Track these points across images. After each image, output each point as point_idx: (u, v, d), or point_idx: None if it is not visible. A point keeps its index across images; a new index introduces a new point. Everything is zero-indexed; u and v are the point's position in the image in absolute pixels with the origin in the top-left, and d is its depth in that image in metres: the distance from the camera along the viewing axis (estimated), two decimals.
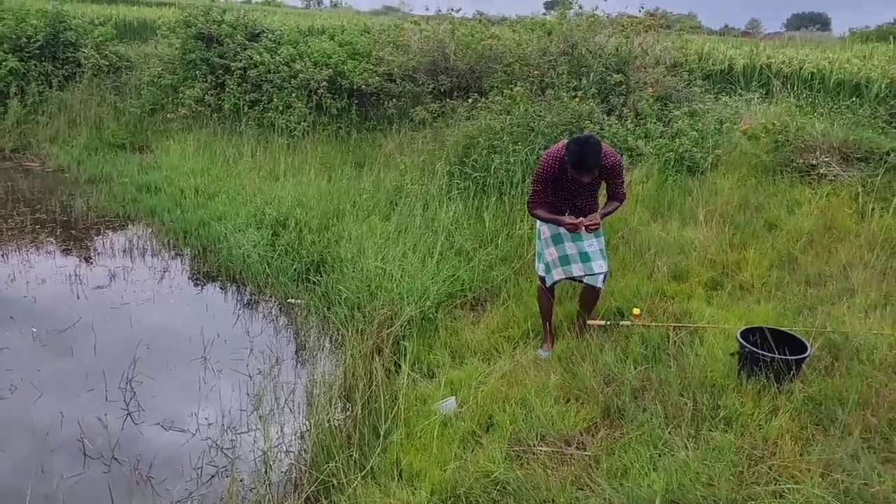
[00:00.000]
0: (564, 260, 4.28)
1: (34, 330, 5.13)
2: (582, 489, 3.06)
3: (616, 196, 4.30)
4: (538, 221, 4.40)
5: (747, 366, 3.67)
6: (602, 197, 4.46)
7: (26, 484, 3.44)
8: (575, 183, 4.11)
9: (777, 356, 3.56)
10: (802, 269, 5.29)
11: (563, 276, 4.31)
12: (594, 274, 4.27)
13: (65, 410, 4.12)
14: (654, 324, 4.38)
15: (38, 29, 12.01)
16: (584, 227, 4.06)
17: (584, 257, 4.25)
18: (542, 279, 4.40)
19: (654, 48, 9.31)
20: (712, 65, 12.32)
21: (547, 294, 4.40)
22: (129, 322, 5.33)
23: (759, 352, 3.61)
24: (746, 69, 12.20)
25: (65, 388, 4.43)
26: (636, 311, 4.48)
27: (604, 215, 4.23)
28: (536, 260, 4.51)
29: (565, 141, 4.09)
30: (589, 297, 4.44)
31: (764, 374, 3.57)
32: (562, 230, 4.25)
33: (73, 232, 7.50)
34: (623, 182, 4.31)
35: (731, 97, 9.73)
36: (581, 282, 4.41)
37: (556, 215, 4.21)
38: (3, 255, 6.70)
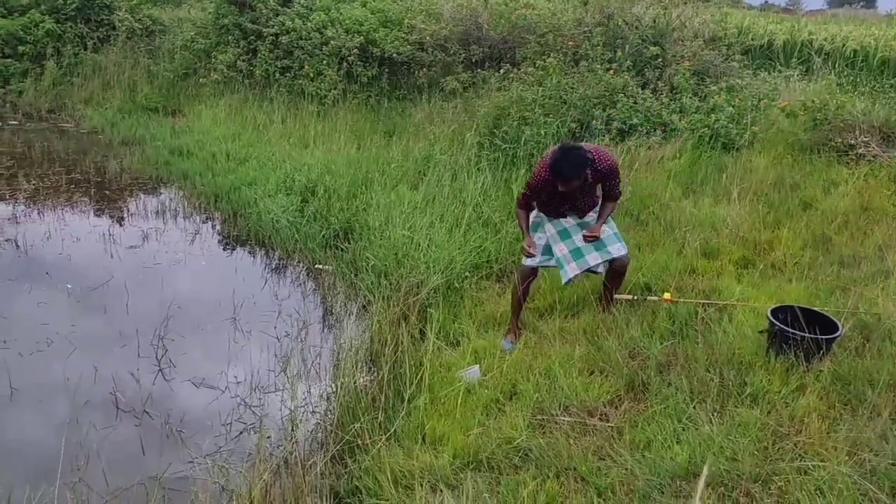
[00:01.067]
0: (577, 253, 4.12)
1: (69, 287, 5.25)
2: (604, 459, 3.08)
3: (611, 196, 4.13)
4: (532, 213, 4.27)
5: (776, 344, 3.63)
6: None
7: (61, 434, 3.54)
8: (560, 195, 3.99)
9: (807, 335, 3.51)
10: (837, 250, 5.19)
11: (579, 271, 4.13)
12: (613, 257, 4.13)
13: (98, 365, 4.23)
14: (682, 300, 4.34)
15: None
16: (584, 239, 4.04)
17: (599, 245, 4.11)
18: (525, 267, 4.19)
19: (693, 21, 9.11)
20: (752, 39, 12.03)
21: (523, 282, 4.19)
22: (160, 282, 5.43)
23: (789, 330, 3.57)
24: (787, 45, 11.90)
25: (98, 343, 4.54)
26: (666, 295, 4.40)
27: (602, 219, 4.12)
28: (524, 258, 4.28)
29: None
30: (617, 271, 4.24)
31: (793, 352, 3.54)
32: (566, 225, 4.16)
33: (106, 192, 7.63)
34: (619, 182, 4.10)
35: (770, 73, 9.51)
36: (598, 272, 4.27)
37: (556, 216, 4.17)
38: (39, 214, 6.85)
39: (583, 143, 3.97)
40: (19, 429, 3.75)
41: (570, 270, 4.14)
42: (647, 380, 3.59)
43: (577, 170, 3.78)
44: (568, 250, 4.15)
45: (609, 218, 4.18)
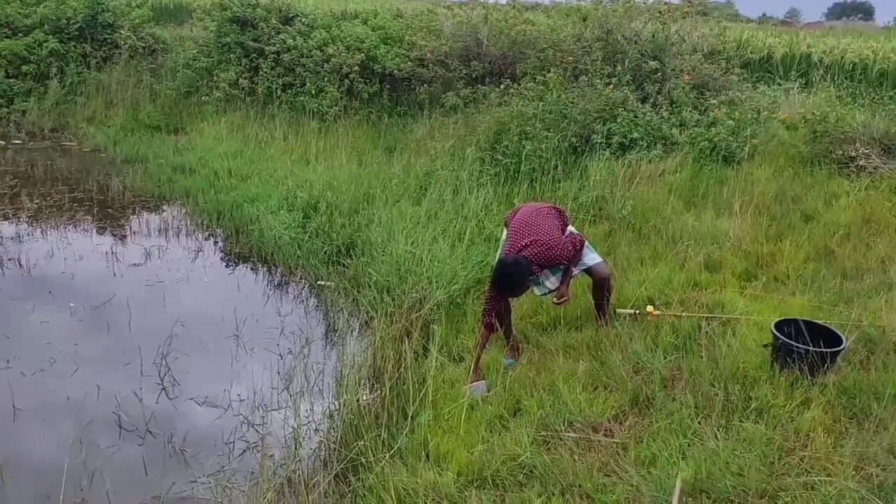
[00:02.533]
0: (554, 269, 4.17)
1: (72, 305, 5.26)
2: (609, 476, 3.06)
3: (570, 262, 4.17)
4: (505, 234, 4.25)
5: (780, 357, 3.63)
6: None
7: (64, 454, 3.55)
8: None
9: (812, 348, 3.50)
10: (839, 262, 5.19)
11: (559, 283, 4.20)
12: (588, 266, 4.21)
13: (101, 384, 4.22)
14: (685, 314, 4.34)
15: (77, 11, 12.22)
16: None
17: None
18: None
19: (692, 35, 9.15)
20: (751, 53, 12.10)
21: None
22: (163, 300, 5.43)
23: (794, 343, 3.56)
24: (786, 58, 11.96)
25: (101, 362, 4.54)
26: (650, 308, 4.44)
27: (567, 279, 4.19)
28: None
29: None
30: (595, 282, 4.29)
31: (797, 366, 3.52)
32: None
33: (109, 211, 7.65)
34: (570, 255, 4.07)
35: (769, 86, 9.54)
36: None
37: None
38: (42, 232, 6.86)
39: (522, 251, 3.92)
40: (22, 449, 3.73)
41: (550, 284, 4.22)
42: (652, 395, 3.58)
43: (520, 285, 3.92)
44: (553, 275, 4.21)
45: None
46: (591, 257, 4.26)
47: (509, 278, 3.84)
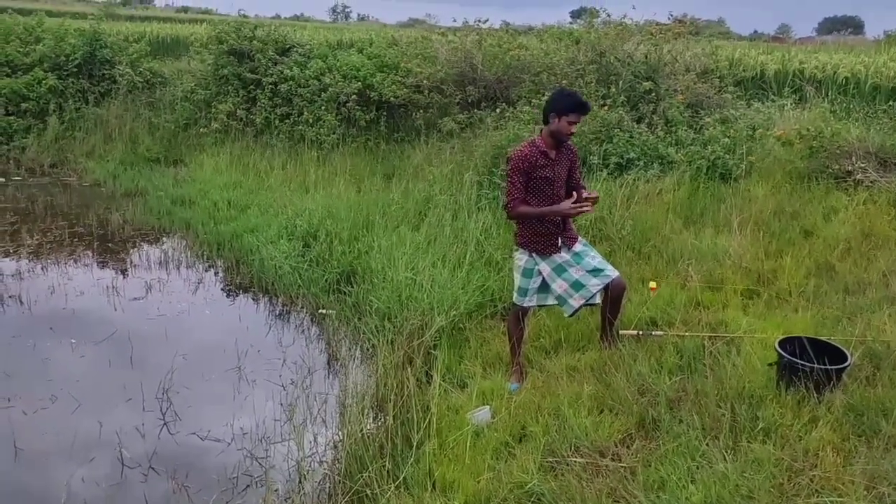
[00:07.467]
0: (577, 285, 4.13)
1: (73, 341, 5.24)
2: (618, 501, 3.02)
3: (578, 187, 4.18)
4: (522, 259, 4.18)
5: (786, 376, 3.60)
6: None
7: (65, 493, 3.51)
8: (551, 168, 4.01)
9: (816, 366, 3.48)
10: (840, 277, 5.18)
11: (584, 301, 4.16)
12: (611, 279, 4.13)
13: (103, 420, 4.19)
14: (688, 333, 4.32)
15: (75, 48, 12.36)
16: (585, 206, 4.00)
17: (595, 272, 4.12)
18: (519, 308, 4.22)
19: (684, 55, 9.24)
20: (743, 71, 12.19)
21: (519, 322, 4.22)
22: (164, 333, 5.41)
23: (798, 361, 3.54)
24: (778, 75, 12.06)
25: (103, 398, 4.51)
26: (652, 284, 4.42)
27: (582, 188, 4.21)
28: (516, 293, 4.27)
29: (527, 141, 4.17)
30: (613, 297, 4.17)
31: (803, 384, 3.50)
32: (560, 261, 4.13)
33: (109, 245, 7.66)
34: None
35: (763, 103, 9.61)
36: (596, 303, 4.27)
37: (548, 248, 4.11)
38: (42, 268, 6.86)
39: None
40: (24, 488, 3.69)
41: (575, 302, 4.16)
42: (658, 417, 3.54)
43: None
44: (568, 284, 4.15)
45: (591, 247, 4.32)
46: (610, 270, 4.18)
47: (569, 90, 4.13)
